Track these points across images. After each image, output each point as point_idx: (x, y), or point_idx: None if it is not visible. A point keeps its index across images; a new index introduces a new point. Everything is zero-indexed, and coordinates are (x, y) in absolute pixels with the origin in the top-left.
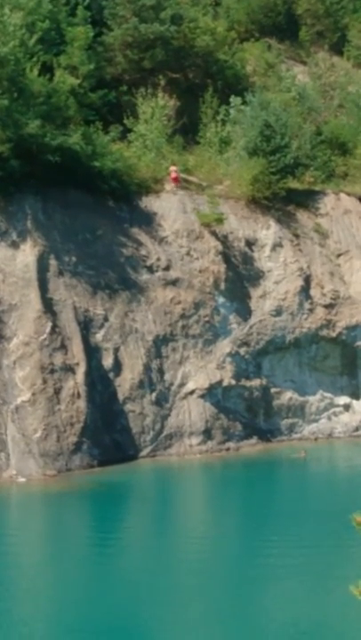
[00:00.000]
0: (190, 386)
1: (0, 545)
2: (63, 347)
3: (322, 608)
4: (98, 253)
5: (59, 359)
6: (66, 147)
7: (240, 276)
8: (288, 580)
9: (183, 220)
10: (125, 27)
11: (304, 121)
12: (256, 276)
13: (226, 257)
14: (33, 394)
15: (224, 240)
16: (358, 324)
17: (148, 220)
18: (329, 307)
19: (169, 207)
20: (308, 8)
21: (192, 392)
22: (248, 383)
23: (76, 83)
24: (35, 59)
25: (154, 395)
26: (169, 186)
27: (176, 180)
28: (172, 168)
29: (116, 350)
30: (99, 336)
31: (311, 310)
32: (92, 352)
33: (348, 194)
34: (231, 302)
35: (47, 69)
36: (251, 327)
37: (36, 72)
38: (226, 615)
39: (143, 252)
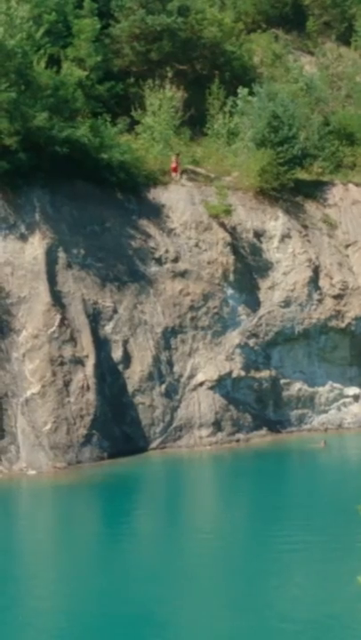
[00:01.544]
0: (200, 377)
1: (11, 537)
2: (72, 339)
3: (332, 600)
4: (106, 245)
5: (68, 352)
6: (74, 139)
7: (249, 268)
8: (299, 572)
9: (191, 212)
10: (132, 18)
11: (312, 111)
12: (265, 268)
13: (234, 248)
14: (42, 386)
15: (232, 231)
16: None
17: (156, 212)
18: (338, 297)
19: (177, 199)
20: None
21: (201, 384)
22: (257, 374)
23: (84, 75)
24: (42, 51)
25: (163, 387)
26: (176, 177)
27: (175, 169)
28: (174, 157)
29: (126, 342)
30: (108, 328)
31: (320, 301)
32: (101, 344)
33: (357, 184)
34: (240, 294)
35: (54, 62)
36: (260, 318)
37: (43, 64)
38: (237, 607)
39: (152, 243)
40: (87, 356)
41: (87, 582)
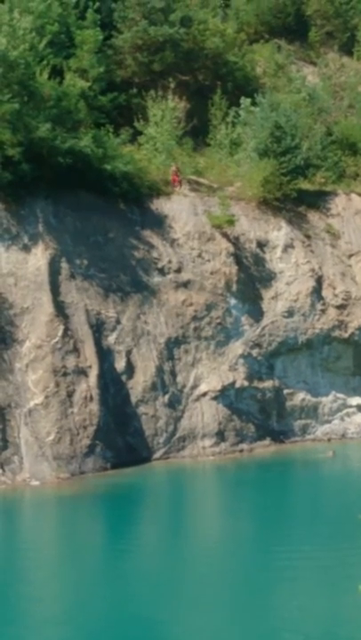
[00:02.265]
0: (203, 388)
1: (15, 548)
2: (75, 350)
3: (335, 610)
4: (109, 256)
5: (71, 362)
6: (76, 150)
7: (252, 278)
8: (303, 582)
9: (194, 222)
10: (135, 29)
11: (314, 122)
12: (268, 278)
13: (237, 258)
14: (46, 397)
15: (235, 242)
16: None
17: (159, 223)
18: (341, 307)
19: (180, 209)
20: (318, 9)
21: (205, 394)
22: (261, 384)
23: (86, 86)
24: (44, 62)
25: (166, 397)
26: (178, 188)
27: (175, 181)
28: (172, 169)
29: (129, 353)
30: (111, 339)
31: (323, 311)
32: (104, 355)
33: (360, 194)
34: (243, 304)
35: (57, 73)
36: (263, 328)
37: (45, 75)
38: (241, 618)
39: (155, 254)
40: (90, 367)
41: (90, 593)
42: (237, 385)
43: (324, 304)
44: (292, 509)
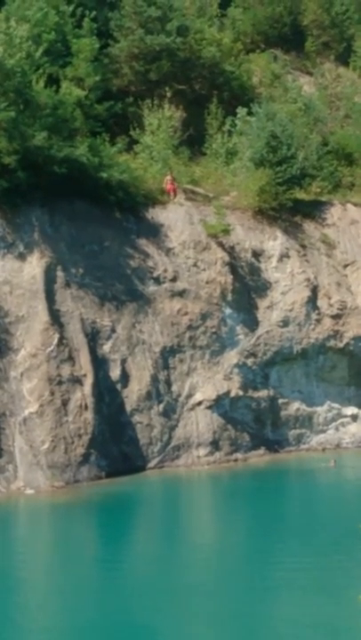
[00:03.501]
0: (198, 397)
1: (9, 557)
2: (70, 358)
3: (331, 620)
4: (105, 265)
5: (66, 371)
6: (72, 158)
7: (247, 287)
8: (298, 591)
9: (190, 232)
10: (131, 38)
11: (310, 131)
12: (263, 287)
13: (233, 268)
14: (40, 405)
15: (231, 251)
16: None
17: (154, 232)
18: (336, 317)
19: (175, 218)
20: (314, 19)
21: (199, 403)
22: (255, 394)
23: (83, 94)
24: (41, 70)
25: (161, 406)
26: (173, 197)
27: (170, 190)
28: (167, 178)
29: (124, 362)
30: (106, 347)
31: (318, 321)
32: (99, 363)
33: (355, 204)
34: (238, 313)
35: (53, 81)
36: (258, 338)
37: (42, 84)
38: (236, 628)
39: (150, 263)
40: (85, 376)
41: (84, 603)
42: (232, 394)
43: (319, 314)
44: (289, 519)
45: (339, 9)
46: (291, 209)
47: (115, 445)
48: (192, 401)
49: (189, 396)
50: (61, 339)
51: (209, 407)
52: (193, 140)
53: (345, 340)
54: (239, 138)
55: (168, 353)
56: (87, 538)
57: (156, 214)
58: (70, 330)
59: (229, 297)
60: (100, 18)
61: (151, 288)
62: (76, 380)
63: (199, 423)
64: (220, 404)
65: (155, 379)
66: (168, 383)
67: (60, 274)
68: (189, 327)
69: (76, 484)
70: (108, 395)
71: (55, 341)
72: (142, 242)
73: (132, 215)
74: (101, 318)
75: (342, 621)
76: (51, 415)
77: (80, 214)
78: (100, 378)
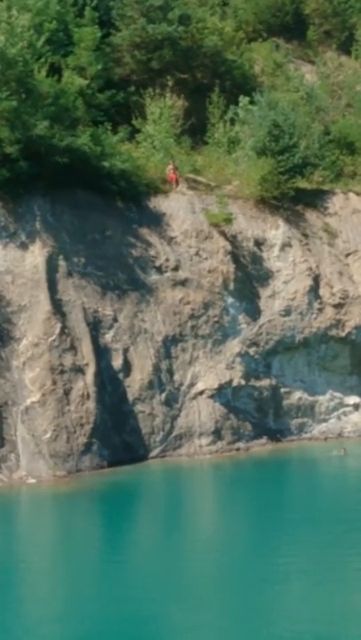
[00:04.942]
0: (200, 386)
1: (11, 546)
2: (73, 348)
3: (331, 612)
4: (107, 254)
5: (68, 360)
6: (74, 147)
7: (249, 276)
8: (300, 582)
9: (192, 221)
10: (133, 27)
11: (312, 120)
12: (265, 276)
13: (235, 257)
14: (43, 395)
15: (233, 240)
16: None
17: (156, 221)
18: (338, 306)
19: (178, 207)
20: (316, 7)
21: (202, 392)
22: (258, 383)
23: (85, 83)
24: (42, 60)
25: (163, 395)
26: (176, 186)
27: (172, 179)
28: (169, 167)
29: (126, 351)
30: (108, 337)
31: (320, 310)
32: (101, 353)
33: (357, 193)
34: (240, 302)
35: (55, 70)
36: (260, 327)
37: (44, 73)
38: (236, 619)
39: (152, 252)
40: (87, 365)
41: (87, 593)
42: (234, 383)
43: (321, 303)
44: (292, 508)
45: None
46: (293, 198)
47: (117, 435)
48: (194, 390)
49: (191, 385)
50: (63, 328)
51: (211, 396)
52: (195, 129)
53: (347, 330)
54: (241, 127)
55: (170, 342)
56: (89, 527)
57: (158, 203)
58: (72, 319)
59: (231, 286)
60: (101, 7)
61: (153, 277)
62: (78, 370)
63: (201, 412)
64: (222, 393)
65: (157, 368)
66: (170, 372)
67: (61, 263)
68: (191, 316)
69: (78, 473)
70: (110, 384)
71: (57, 331)
72: (144, 231)
73: (134, 204)
74: (103, 307)
75: (346, 610)
76: (53, 404)
77: (82, 203)
78: (103, 367)
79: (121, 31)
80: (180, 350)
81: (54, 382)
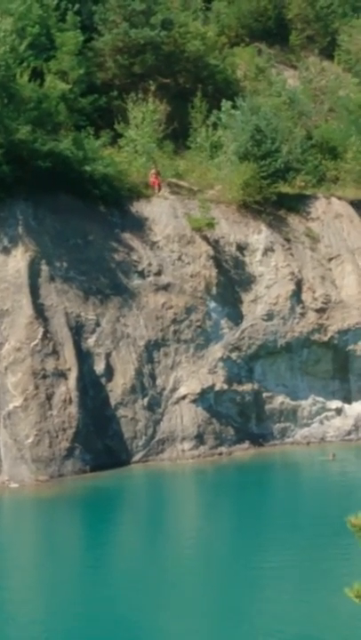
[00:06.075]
0: (182, 391)
1: None
2: (55, 352)
3: (314, 612)
4: (89, 259)
5: (50, 365)
6: (57, 152)
7: (231, 281)
8: (283, 586)
9: (174, 225)
10: (116, 32)
11: (295, 125)
12: (247, 281)
13: (217, 261)
14: (25, 399)
15: (215, 245)
16: (350, 327)
17: (139, 225)
18: (320, 311)
19: (160, 212)
20: (299, 13)
21: (184, 397)
22: (240, 388)
23: (67, 88)
24: (25, 64)
25: (146, 400)
26: (158, 191)
27: (154, 184)
28: (151, 171)
29: (108, 355)
30: (90, 341)
31: (303, 314)
32: (83, 357)
33: (339, 198)
34: (223, 307)
35: (37, 75)
36: (242, 332)
37: (26, 77)
38: (220, 622)
39: (134, 257)
40: (70, 369)
41: (67, 596)
42: (217, 388)
43: (303, 307)
44: (274, 513)
45: (323, 3)
46: (275, 203)
47: (99, 439)
48: (177, 395)
49: (174, 389)
50: (46, 332)
51: (193, 401)
52: (177, 134)
53: (329, 334)
54: (223, 131)
55: (152, 347)
56: (71, 532)
57: (141, 208)
58: (55, 324)
59: (214, 291)
60: (83, 11)
61: (136, 282)
62: (61, 374)
63: (184, 417)
64: (204, 397)
65: (139, 372)
66: (153, 377)
67: (44, 267)
68: (174, 321)
69: (61, 477)
70: (92, 388)
71: (39, 335)
72: (127, 235)
73: (117, 209)
74: (86, 312)
75: (328, 614)
76: (35, 409)
77: (64, 208)
78: (85, 372)
79: (103, 35)
80: (163, 355)
81: (36, 387)
